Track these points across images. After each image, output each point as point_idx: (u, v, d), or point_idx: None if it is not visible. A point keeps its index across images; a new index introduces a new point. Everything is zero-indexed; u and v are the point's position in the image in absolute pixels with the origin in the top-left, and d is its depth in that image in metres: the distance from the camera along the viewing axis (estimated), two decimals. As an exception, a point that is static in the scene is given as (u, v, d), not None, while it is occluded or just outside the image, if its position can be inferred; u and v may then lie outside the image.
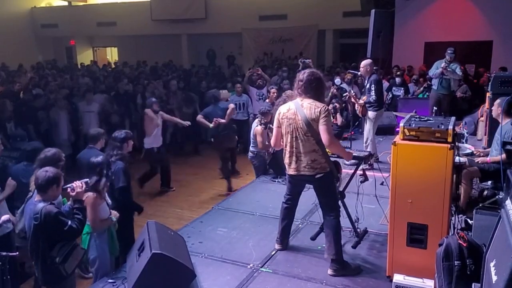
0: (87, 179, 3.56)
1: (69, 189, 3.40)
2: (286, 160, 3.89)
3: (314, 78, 3.74)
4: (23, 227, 3.82)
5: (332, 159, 3.88)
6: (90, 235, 3.77)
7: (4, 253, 3.25)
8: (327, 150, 3.75)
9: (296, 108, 3.73)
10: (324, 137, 3.63)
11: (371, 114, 6.64)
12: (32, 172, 4.32)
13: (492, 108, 5.04)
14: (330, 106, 7.31)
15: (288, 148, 3.83)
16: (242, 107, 9.10)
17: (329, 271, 3.81)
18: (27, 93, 9.38)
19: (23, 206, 3.87)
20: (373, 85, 6.52)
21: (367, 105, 6.63)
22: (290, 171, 3.89)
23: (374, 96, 6.50)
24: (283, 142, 3.89)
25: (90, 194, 3.69)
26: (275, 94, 8.02)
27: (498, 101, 4.89)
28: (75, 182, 3.43)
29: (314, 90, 3.72)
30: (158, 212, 6.46)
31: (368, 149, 6.19)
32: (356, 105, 6.82)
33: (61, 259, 3.25)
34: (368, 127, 6.72)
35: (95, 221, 3.74)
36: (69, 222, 3.25)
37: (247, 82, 9.64)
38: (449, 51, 8.24)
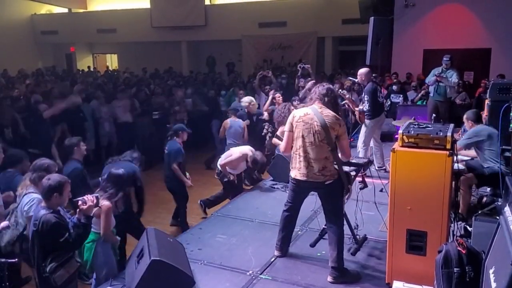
0: (98, 195, 3.53)
1: (80, 202, 3.29)
2: (296, 165, 3.82)
3: (332, 92, 3.86)
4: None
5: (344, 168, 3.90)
6: (96, 242, 3.74)
7: (3, 260, 3.25)
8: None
9: (315, 113, 3.72)
10: (347, 151, 3.79)
11: (367, 121, 6.62)
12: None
13: (464, 122, 5.25)
14: None
15: (300, 153, 3.78)
16: None
17: (329, 278, 3.80)
18: (26, 99, 9.36)
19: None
20: (366, 95, 6.47)
21: (364, 113, 6.62)
22: (299, 176, 3.82)
23: (367, 105, 6.46)
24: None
25: (106, 202, 3.72)
26: (281, 97, 8.04)
27: (465, 116, 5.13)
28: (87, 195, 3.33)
29: (331, 103, 3.82)
30: (158, 219, 6.44)
31: (361, 155, 6.19)
32: (356, 111, 6.82)
33: (52, 269, 3.18)
34: (362, 133, 6.71)
35: (107, 229, 3.74)
36: (66, 235, 3.18)
37: (258, 85, 9.38)
38: (445, 59, 8.27)
